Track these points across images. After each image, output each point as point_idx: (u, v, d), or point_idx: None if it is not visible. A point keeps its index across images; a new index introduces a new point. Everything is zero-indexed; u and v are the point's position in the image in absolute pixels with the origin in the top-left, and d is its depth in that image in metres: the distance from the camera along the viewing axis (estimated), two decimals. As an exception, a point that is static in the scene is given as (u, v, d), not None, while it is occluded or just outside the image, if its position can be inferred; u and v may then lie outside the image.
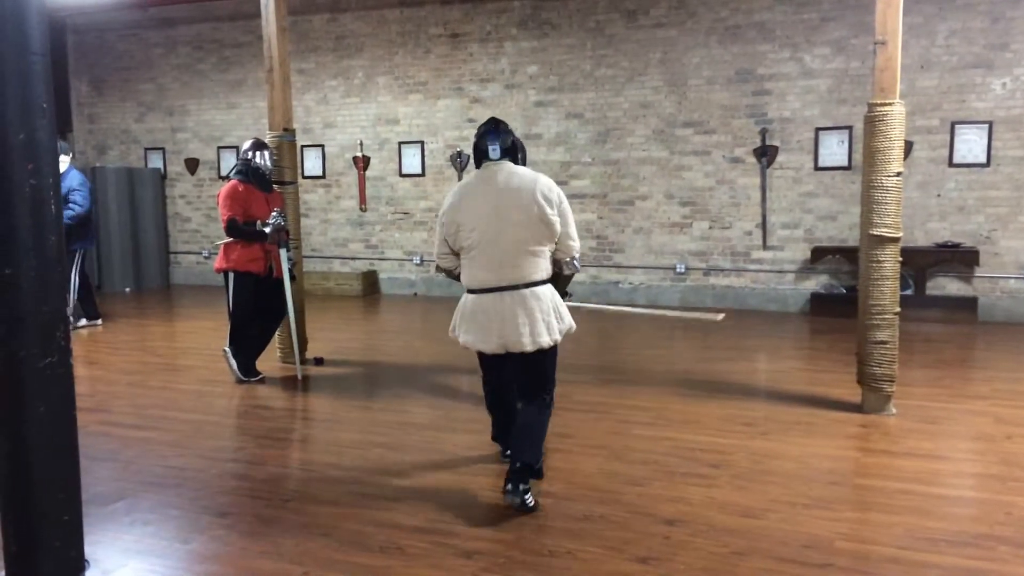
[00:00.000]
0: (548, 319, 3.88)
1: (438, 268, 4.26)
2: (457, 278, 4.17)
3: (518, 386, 4.15)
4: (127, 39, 12.88)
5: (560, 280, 4.11)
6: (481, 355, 4.14)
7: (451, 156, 11.14)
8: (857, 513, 3.81)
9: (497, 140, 3.98)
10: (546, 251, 3.92)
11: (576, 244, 4.00)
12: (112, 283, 12.30)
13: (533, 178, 3.90)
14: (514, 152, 4.05)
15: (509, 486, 3.78)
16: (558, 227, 3.88)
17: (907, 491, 4.02)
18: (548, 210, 3.83)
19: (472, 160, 4.14)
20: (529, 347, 3.85)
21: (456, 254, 4.06)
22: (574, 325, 4.06)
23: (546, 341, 3.86)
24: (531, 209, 3.82)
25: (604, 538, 3.53)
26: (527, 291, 3.87)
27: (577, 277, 10.28)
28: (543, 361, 3.99)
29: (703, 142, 9.94)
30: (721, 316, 4.93)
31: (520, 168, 4.00)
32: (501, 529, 3.64)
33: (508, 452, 4.17)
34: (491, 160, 3.98)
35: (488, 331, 3.90)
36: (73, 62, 13.17)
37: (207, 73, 12.51)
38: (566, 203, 3.95)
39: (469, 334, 3.98)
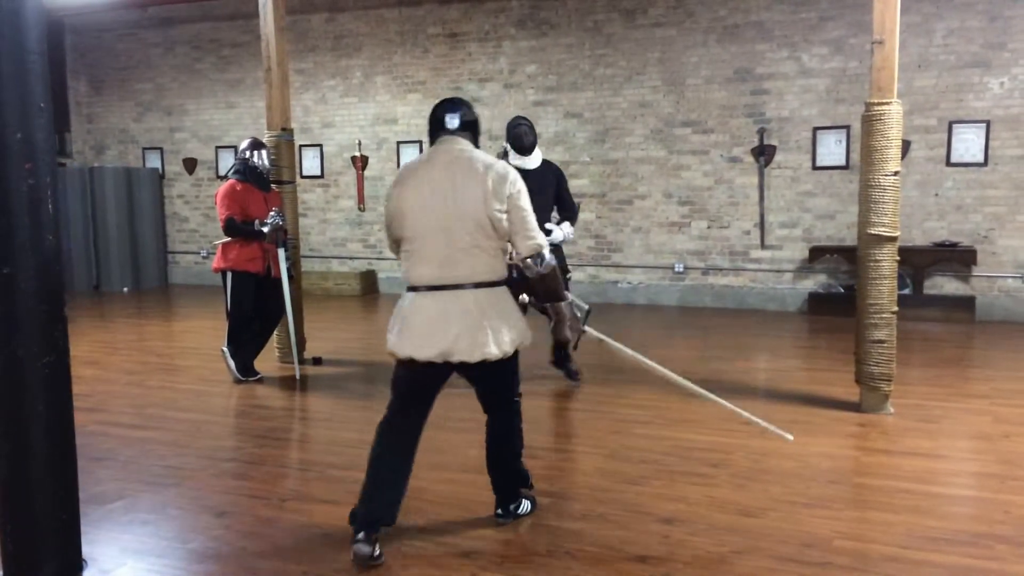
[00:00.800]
0: (497, 326, 3.32)
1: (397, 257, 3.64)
2: None
3: (480, 398, 3.67)
4: (125, 39, 12.87)
5: (536, 284, 3.47)
6: (405, 372, 3.48)
7: (449, 156, 11.13)
8: (856, 512, 3.81)
9: (458, 111, 3.45)
10: (495, 248, 3.37)
11: (535, 241, 3.35)
12: (110, 283, 12.30)
13: (486, 164, 3.34)
14: (474, 129, 3.50)
15: (499, 511, 3.70)
16: (506, 224, 3.31)
17: (906, 490, 4.02)
18: (496, 205, 3.27)
19: (428, 137, 3.57)
20: (470, 357, 3.29)
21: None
22: (529, 336, 3.48)
23: (493, 351, 3.30)
24: (479, 201, 3.27)
25: (603, 537, 3.53)
26: (474, 292, 3.32)
27: (576, 276, 10.32)
28: (494, 372, 3.47)
29: (701, 141, 9.95)
30: (791, 437, 4.12)
31: (477, 152, 3.42)
32: (499, 528, 3.64)
33: (360, 536, 3.29)
34: (447, 132, 3.43)
35: (425, 335, 3.31)
36: (71, 62, 13.17)
37: (205, 73, 12.50)
38: (523, 197, 3.35)
39: (403, 338, 3.36)
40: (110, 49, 13.01)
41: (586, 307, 3.95)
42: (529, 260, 3.37)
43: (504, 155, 6.12)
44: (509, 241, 3.39)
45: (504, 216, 3.30)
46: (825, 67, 9.36)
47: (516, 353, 3.48)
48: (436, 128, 3.48)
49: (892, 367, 5.31)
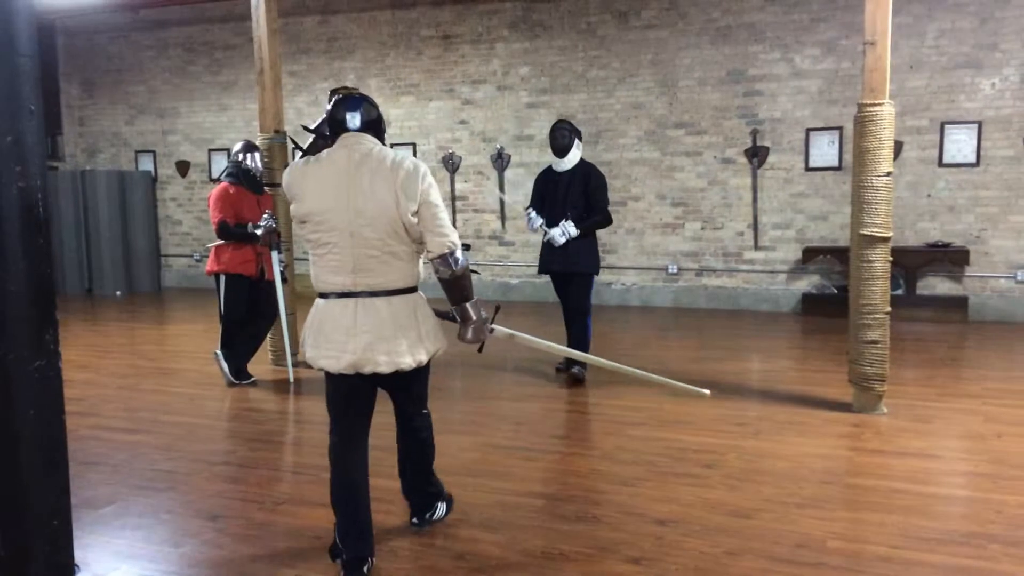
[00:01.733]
0: (412, 335, 3.18)
1: None
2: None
3: (394, 404, 3.52)
4: (117, 41, 12.85)
5: (449, 286, 3.27)
6: (332, 384, 3.33)
7: (443, 158, 11.13)
8: (849, 512, 3.82)
9: (357, 109, 3.20)
10: (410, 252, 3.17)
11: (447, 239, 3.14)
12: (103, 287, 12.26)
13: (395, 162, 3.11)
14: (378, 128, 3.25)
15: (415, 519, 3.67)
16: (417, 229, 3.10)
17: (899, 490, 4.03)
18: (409, 207, 3.06)
19: (328, 135, 3.34)
20: (384, 368, 3.13)
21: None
22: (444, 345, 3.33)
23: (407, 362, 3.16)
24: (390, 203, 3.05)
25: (597, 538, 3.53)
26: (397, 299, 3.16)
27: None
28: (414, 380, 3.37)
29: (695, 143, 9.96)
30: (708, 392, 4.45)
31: (383, 149, 3.20)
32: (493, 530, 3.63)
33: (343, 558, 3.24)
34: (348, 131, 3.19)
35: (336, 346, 3.14)
36: (63, 64, 13.13)
37: (198, 75, 12.48)
38: (433, 192, 3.14)
39: (315, 348, 3.20)
40: (102, 51, 12.98)
41: (494, 305, 3.78)
42: (439, 260, 3.16)
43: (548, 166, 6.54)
44: (420, 241, 3.16)
45: (415, 219, 3.09)
46: (817, 68, 9.39)
47: (429, 365, 3.35)
48: (336, 127, 3.23)
49: (885, 367, 5.32)
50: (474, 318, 3.35)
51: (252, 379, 6.43)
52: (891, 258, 5.32)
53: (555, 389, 6.25)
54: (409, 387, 3.39)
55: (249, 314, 6.35)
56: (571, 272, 6.30)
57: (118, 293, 12.25)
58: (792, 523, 3.65)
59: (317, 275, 3.21)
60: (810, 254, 9.44)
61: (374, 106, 3.29)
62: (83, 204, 12.15)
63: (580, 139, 6.50)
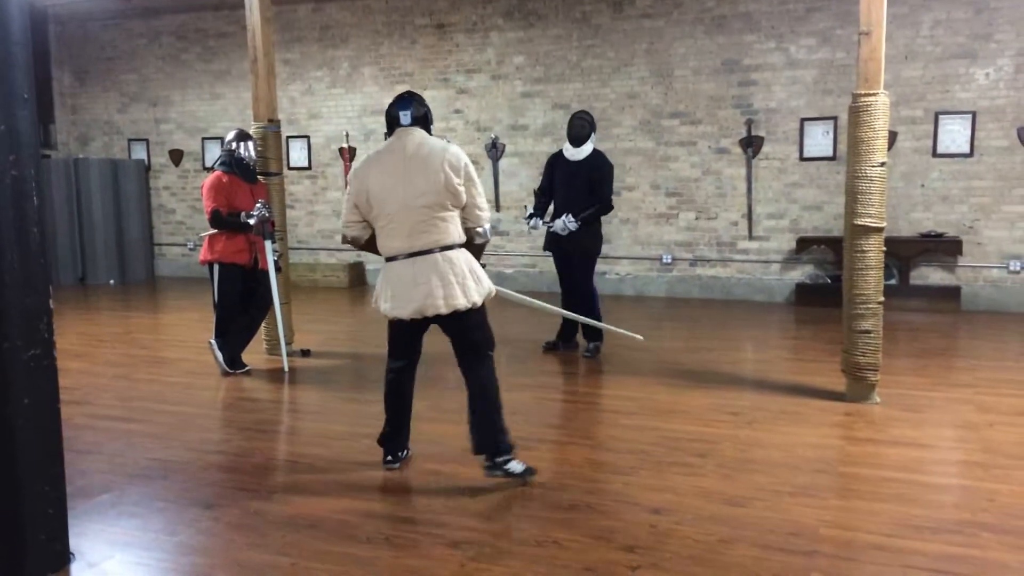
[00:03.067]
0: (463, 282, 3.89)
1: (344, 239, 4.20)
2: (363, 248, 4.18)
3: (456, 352, 4.11)
4: (110, 29, 12.77)
5: (472, 250, 4.08)
6: (395, 329, 4.13)
7: (437, 147, 11.10)
8: (841, 501, 3.84)
9: (409, 108, 4.02)
10: (455, 216, 3.95)
11: (484, 214, 4.03)
12: (96, 276, 12.23)
13: (442, 147, 3.95)
14: (425, 122, 4.08)
15: (488, 464, 4.02)
16: (463, 196, 3.92)
17: (891, 479, 4.05)
18: (455, 179, 3.87)
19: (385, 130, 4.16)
20: (444, 309, 3.86)
21: (366, 222, 4.06)
22: (493, 289, 4.09)
23: (462, 303, 3.87)
24: (438, 176, 3.86)
25: (590, 527, 3.55)
26: (439, 255, 3.89)
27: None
28: (471, 321, 4.00)
29: (689, 133, 9.96)
30: (641, 337, 5.51)
31: (430, 137, 4.03)
32: (488, 519, 3.65)
33: (389, 458, 4.25)
34: (402, 126, 4.01)
35: (404, 297, 3.90)
36: (55, 52, 13.06)
37: (191, 63, 12.42)
38: (473, 173, 3.98)
39: (387, 302, 3.98)
40: (94, 39, 12.91)
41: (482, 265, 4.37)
42: (480, 230, 4.04)
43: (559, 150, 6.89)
44: (462, 208, 3.96)
45: (462, 189, 3.90)
46: (812, 58, 9.38)
47: (484, 308, 4.04)
48: (391, 123, 4.06)
49: (878, 357, 5.34)
50: None
51: (246, 368, 6.43)
52: (884, 248, 5.33)
53: (549, 379, 6.27)
54: (469, 331, 4.03)
55: (243, 303, 6.34)
56: (571, 253, 6.66)
57: (111, 282, 12.22)
58: (785, 511, 3.67)
59: (382, 243, 4.01)
60: (804, 244, 9.46)
61: (422, 104, 4.09)
62: (76, 193, 12.10)
63: (595, 131, 6.81)
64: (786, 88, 9.52)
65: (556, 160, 6.79)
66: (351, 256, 11.83)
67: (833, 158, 9.36)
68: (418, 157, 3.91)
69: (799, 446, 4.56)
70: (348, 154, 11.61)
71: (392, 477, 4.19)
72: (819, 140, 9.46)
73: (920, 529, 3.48)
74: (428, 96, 11.04)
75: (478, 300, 3.94)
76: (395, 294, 3.94)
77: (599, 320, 6.54)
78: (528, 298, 5.01)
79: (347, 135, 11.60)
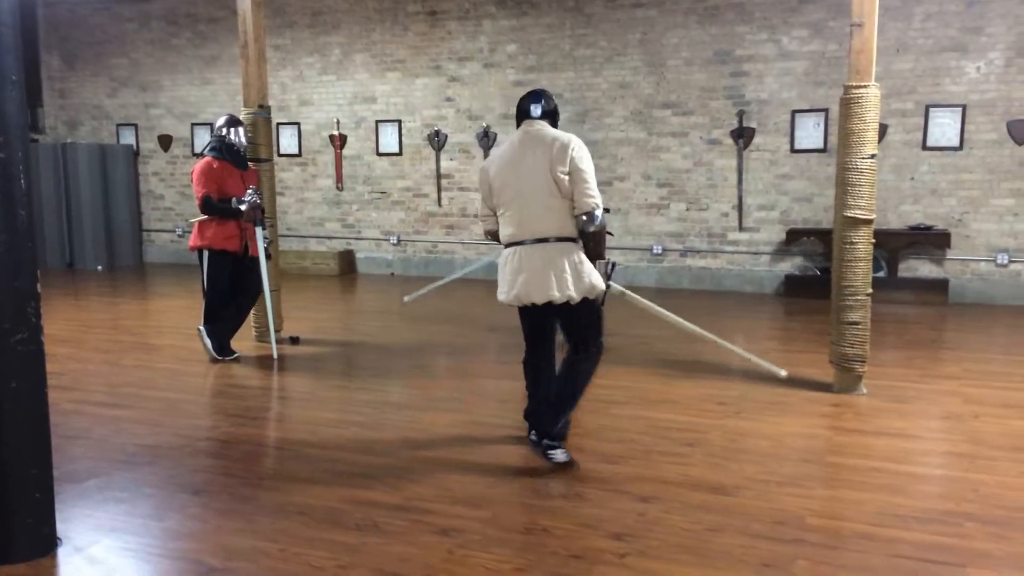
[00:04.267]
0: (561, 275, 3.93)
1: (485, 233, 4.36)
2: (497, 239, 4.29)
3: (567, 340, 4.20)
4: (100, 13, 12.67)
5: (587, 240, 4.05)
6: (521, 317, 4.25)
7: (428, 135, 11.09)
8: (828, 490, 3.86)
9: (540, 101, 4.14)
10: (566, 207, 3.97)
11: (591, 201, 3.93)
12: (84, 261, 12.17)
13: (552, 137, 4.02)
14: (554, 116, 4.18)
15: (533, 436, 4.22)
16: (566, 184, 3.92)
17: (877, 469, 4.08)
18: (559, 168, 3.92)
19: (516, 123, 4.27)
20: (539, 299, 3.94)
21: (495, 214, 4.20)
22: (603, 286, 4.06)
23: (557, 296, 3.92)
24: (545, 166, 3.94)
25: (579, 515, 3.56)
26: (551, 245, 3.96)
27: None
28: (577, 316, 4.06)
29: (681, 123, 9.96)
30: (784, 373, 5.36)
31: (550, 129, 4.10)
32: (477, 507, 3.65)
33: (533, 435, 4.33)
34: (531, 118, 4.11)
35: (517, 284, 4.00)
36: (44, 35, 12.95)
37: (181, 48, 12.34)
38: (585, 161, 3.96)
39: (502, 290, 4.10)
40: (83, 23, 12.80)
41: (612, 262, 4.33)
42: (584, 217, 3.95)
43: None
44: (571, 198, 3.95)
45: (566, 177, 3.91)
46: (804, 50, 9.39)
47: (598, 305, 4.11)
48: (520, 116, 4.17)
49: (866, 348, 5.37)
50: (600, 274, 4.10)
51: (235, 355, 6.41)
52: (873, 240, 5.36)
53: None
54: (577, 324, 4.10)
55: (233, 290, 6.32)
56: None
57: (99, 268, 12.16)
58: (772, 500, 3.70)
59: (501, 232, 4.14)
60: (794, 236, 9.49)
61: (552, 99, 4.22)
62: (64, 177, 12.02)
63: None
64: (778, 79, 9.52)
65: None
66: (341, 244, 11.80)
67: (824, 150, 9.38)
68: (532, 147, 4.01)
69: (787, 436, 4.59)
70: (339, 141, 11.57)
71: (380, 464, 4.19)
72: (810, 132, 9.47)
73: (905, 518, 3.50)
74: (420, 84, 11.05)
75: (575, 296, 3.95)
76: (509, 283, 4.04)
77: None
78: (654, 305, 5.01)
79: (338, 122, 11.56)
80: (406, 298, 7.58)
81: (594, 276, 4.01)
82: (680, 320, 5.14)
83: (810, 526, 3.43)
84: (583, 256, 4.01)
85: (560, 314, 4.08)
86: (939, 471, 4.14)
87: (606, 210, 4.14)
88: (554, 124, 4.18)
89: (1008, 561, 3.14)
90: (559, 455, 4.07)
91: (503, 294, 4.09)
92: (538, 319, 4.18)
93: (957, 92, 8.91)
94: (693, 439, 4.54)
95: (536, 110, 4.13)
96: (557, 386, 4.20)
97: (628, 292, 4.52)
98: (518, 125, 4.21)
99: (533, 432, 4.32)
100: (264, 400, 5.64)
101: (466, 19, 10.74)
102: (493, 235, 4.29)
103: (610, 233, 4.13)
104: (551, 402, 4.18)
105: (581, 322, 4.10)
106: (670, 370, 6.05)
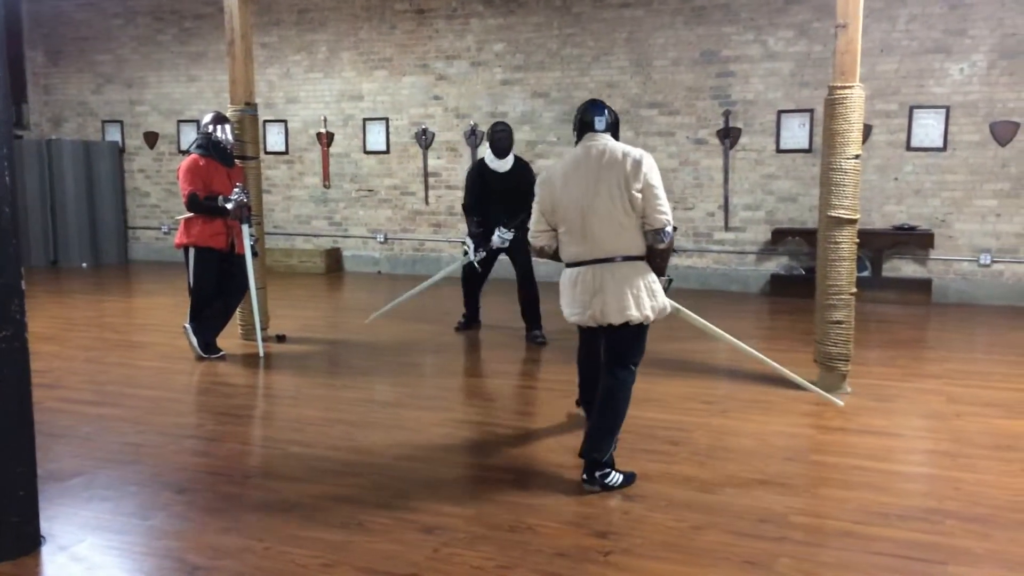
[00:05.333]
0: (639, 295, 3.86)
1: (533, 249, 4.21)
2: (551, 257, 4.17)
3: (604, 356, 4.08)
4: (85, 8, 12.59)
5: (653, 256, 3.96)
6: (579, 331, 4.29)
7: (416, 134, 11.08)
8: (811, 488, 3.89)
9: (603, 114, 4.03)
10: (636, 225, 3.87)
11: (663, 217, 3.86)
12: (69, 258, 12.10)
13: (624, 152, 3.90)
14: (615, 129, 4.11)
15: (585, 476, 3.84)
16: (640, 201, 3.82)
17: (860, 467, 4.11)
18: (634, 185, 3.81)
19: (575, 135, 4.12)
20: (616, 320, 3.86)
21: (553, 230, 4.06)
22: (668, 306, 4.01)
23: (635, 315, 3.85)
24: (619, 183, 3.82)
25: (564, 513, 3.57)
26: (617, 265, 3.87)
27: (541, 256, 10.34)
28: (634, 335, 3.97)
29: (668, 123, 9.99)
30: (842, 403, 5.15)
31: (616, 143, 4.00)
32: (462, 505, 3.66)
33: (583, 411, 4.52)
34: (595, 131, 3.99)
35: (581, 303, 3.93)
36: (28, 31, 12.85)
37: (167, 45, 12.28)
38: (656, 177, 3.87)
39: (566, 307, 4.05)
40: (68, 19, 12.71)
41: (670, 278, 4.30)
42: (653, 233, 3.87)
43: (479, 162, 7.10)
44: (642, 215, 3.86)
45: (640, 195, 3.81)
46: (790, 50, 9.44)
47: (648, 326, 4.00)
48: (584, 128, 4.03)
49: (850, 347, 5.41)
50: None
51: (221, 353, 6.39)
52: (858, 240, 5.39)
53: (526, 366, 6.29)
54: (626, 341, 3.99)
55: (219, 288, 6.30)
56: (518, 247, 6.84)
57: (84, 265, 12.09)
58: (756, 499, 3.72)
59: (563, 250, 4.04)
60: (779, 235, 9.53)
61: (611, 110, 4.11)
62: (48, 174, 11.94)
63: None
64: (764, 80, 9.57)
65: (483, 173, 6.96)
66: (327, 242, 11.78)
67: (809, 150, 9.43)
68: (602, 163, 3.88)
69: (771, 434, 4.61)
70: (326, 139, 11.54)
71: (366, 463, 4.19)
72: (795, 132, 9.52)
73: (888, 516, 3.53)
74: (407, 82, 11.04)
75: (651, 315, 3.90)
76: (573, 301, 3.97)
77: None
78: (705, 322, 5.02)
79: (325, 120, 11.53)
80: (369, 319, 7.69)
81: (662, 295, 3.98)
82: (734, 340, 5.18)
83: (793, 524, 3.46)
84: (654, 275, 3.96)
85: (614, 329, 3.94)
86: (921, 469, 4.18)
87: (674, 228, 4.04)
88: (615, 136, 4.10)
89: (989, 558, 3.17)
90: (615, 479, 3.85)
91: (576, 315, 3.98)
92: (596, 332, 4.09)
93: (941, 93, 8.97)
94: (678, 438, 4.56)
95: (600, 123, 4.01)
96: (598, 415, 3.98)
97: (682, 308, 4.45)
98: (578, 138, 4.06)
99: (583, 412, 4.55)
100: (250, 398, 5.63)
101: (453, 17, 10.74)
102: (545, 252, 4.15)
103: (675, 251, 4.00)
104: (593, 423, 3.99)
105: (630, 340, 3.99)
106: (653, 368, 6.06)
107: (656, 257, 3.97)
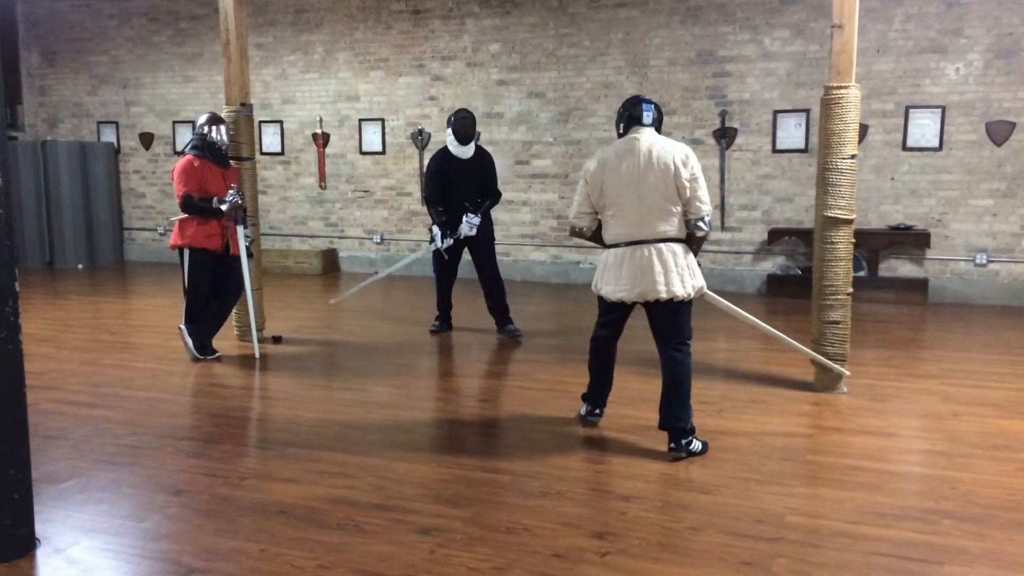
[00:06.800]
0: (683, 272, 4.22)
1: (572, 230, 4.55)
2: (588, 238, 4.52)
3: (657, 337, 4.40)
4: (80, 9, 12.56)
5: (692, 241, 4.35)
6: (608, 307, 4.50)
7: (412, 134, 11.07)
8: (808, 489, 3.89)
9: (651, 108, 4.39)
10: (679, 211, 4.26)
11: (705, 207, 4.27)
12: (64, 259, 12.07)
13: (673, 145, 4.29)
14: (660, 123, 4.46)
15: (672, 444, 4.22)
16: (688, 192, 4.21)
17: (857, 467, 4.11)
18: (684, 174, 4.20)
19: (621, 127, 4.44)
20: (664, 295, 4.18)
21: (594, 213, 4.41)
22: (705, 285, 4.37)
23: (680, 292, 4.20)
24: (668, 173, 4.19)
25: (561, 514, 3.57)
26: (663, 245, 4.23)
27: (538, 256, 10.36)
28: (678, 312, 4.30)
29: (664, 123, 9.95)
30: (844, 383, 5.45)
31: (662, 137, 4.38)
32: (459, 506, 3.66)
33: (596, 412, 4.80)
34: (643, 125, 4.33)
35: (627, 281, 4.24)
36: (23, 32, 12.81)
37: (162, 46, 12.25)
38: (698, 170, 4.28)
39: (610, 285, 4.33)
40: (63, 20, 12.68)
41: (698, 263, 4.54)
42: (695, 220, 4.27)
43: (441, 151, 7.11)
44: (687, 203, 4.25)
45: (688, 186, 4.21)
46: (786, 50, 9.44)
47: (691, 302, 4.33)
48: (631, 121, 4.37)
49: (846, 347, 5.41)
50: None
51: (217, 354, 6.38)
52: (854, 240, 5.40)
53: (520, 366, 6.29)
54: (673, 320, 4.32)
55: (214, 289, 6.29)
56: (484, 243, 7.05)
57: (80, 266, 12.06)
58: (753, 499, 3.72)
59: (609, 231, 4.37)
60: (775, 235, 9.53)
61: (659, 107, 4.49)
62: (44, 176, 11.91)
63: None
64: (760, 80, 9.57)
65: (446, 160, 6.99)
66: (323, 243, 11.76)
67: (805, 150, 9.43)
68: (653, 155, 4.23)
69: (767, 435, 4.62)
70: (322, 140, 11.53)
71: (362, 464, 4.18)
72: (792, 132, 9.52)
73: (884, 516, 3.53)
74: (403, 83, 11.03)
75: (691, 292, 4.25)
76: (618, 279, 4.28)
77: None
78: (735, 307, 5.20)
79: (320, 120, 11.52)
80: (332, 300, 7.92)
81: (700, 275, 4.35)
82: (760, 323, 5.36)
83: (790, 524, 3.46)
84: (693, 257, 4.34)
85: (660, 310, 4.27)
86: (918, 469, 4.19)
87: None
88: (659, 130, 4.42)
89: (985, 558, 3.18)
90: (696, 445, 4.27)
91: (622, 292, 4.28)
92: (627, 312, 4.49)
93: (937, 93, 8.98)
94: (675, 438, 4.55)
95: (648, 117, 4.36)
96: (666, 386, 4.33)
97: (708, 292, 4.64)
98: (625, 130, 4.39)
99: (585, 407, 4.84)
100: (245, 400, 5.62)
101: (449, 18, 10.73)
102: (583, 234, 4.49)
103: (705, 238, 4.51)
104: (667, 401, 4.31)
105: (682, 318, 4.33)
106: (650, 368, 6.03)
107: (694, 243, 4.37)
